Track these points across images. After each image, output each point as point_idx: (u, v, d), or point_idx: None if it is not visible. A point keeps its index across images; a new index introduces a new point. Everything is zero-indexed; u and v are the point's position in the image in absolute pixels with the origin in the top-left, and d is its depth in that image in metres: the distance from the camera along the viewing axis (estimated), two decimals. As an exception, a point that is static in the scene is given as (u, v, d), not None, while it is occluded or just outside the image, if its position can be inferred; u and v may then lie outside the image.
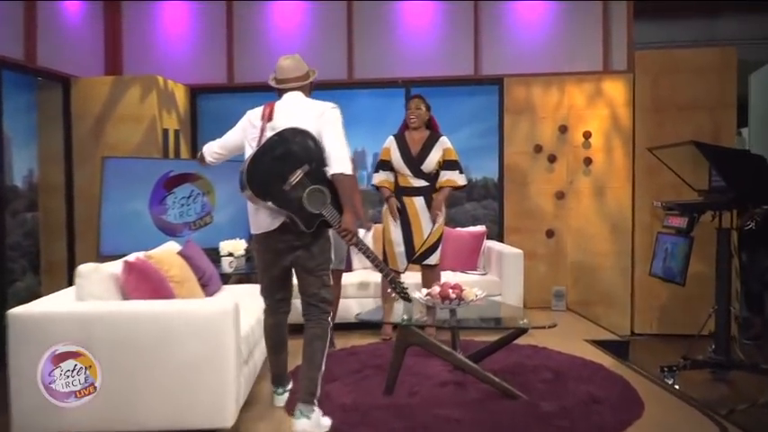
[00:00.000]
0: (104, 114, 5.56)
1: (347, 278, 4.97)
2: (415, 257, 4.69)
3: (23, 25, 5.05)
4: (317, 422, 3.01)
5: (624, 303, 5.84)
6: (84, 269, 2.99)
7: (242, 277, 5.31)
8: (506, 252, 5.22)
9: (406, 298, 3.34)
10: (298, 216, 3.01)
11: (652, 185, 5.68)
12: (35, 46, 5.13)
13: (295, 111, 3.14)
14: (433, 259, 4.69)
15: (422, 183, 4.67)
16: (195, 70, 6.29)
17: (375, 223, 5.34)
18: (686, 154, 4.31)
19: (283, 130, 3.06)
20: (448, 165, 4.68)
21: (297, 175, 2.99)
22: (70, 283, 3.09)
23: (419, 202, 4.66)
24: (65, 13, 5.60)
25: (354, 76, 6.22)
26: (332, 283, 3.30)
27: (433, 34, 6.20)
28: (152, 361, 2.84)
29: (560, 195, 5.96)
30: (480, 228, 5.70)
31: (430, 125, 4.76)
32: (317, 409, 3.03)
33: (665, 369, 4.16)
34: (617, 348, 4.59)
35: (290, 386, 3.45)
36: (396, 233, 4.68)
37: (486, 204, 6.22)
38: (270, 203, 3.00)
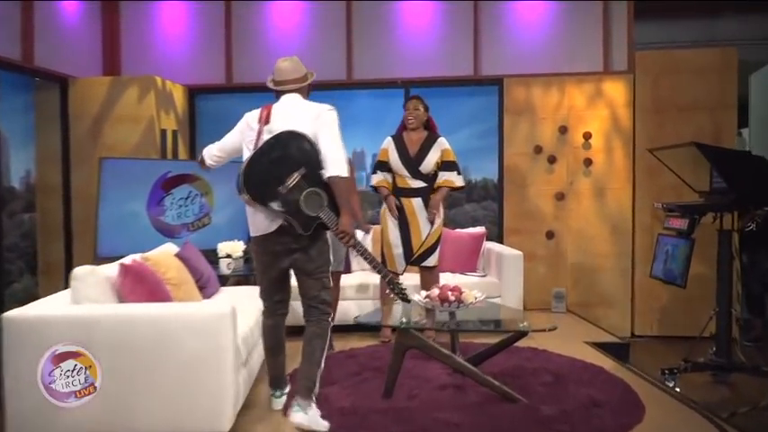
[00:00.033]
0: (102, 115, 5.54)
1: (346, 280, 4.95)
2: (414, 259, 4.66)
3: (20, 25, 5.02)
4: (313, 419, 3.02)
5: (624, 305, 5.81)
6: (80, 272, 2.96)
7: (240, 279, 5.28)
8: (506, 254, 5.20)
9: (405, 299, 3.35)
10: (295, 219, 3.03)
11: (652, 186, 5.66)
12: (32, 46, 5.10)
13: (292, 113, 3.16)
14: (431, 261, 4.67)
15: (420, 184, 4.64)
16: (193, 70, 6.26)
17: (373, 224, 5.32)
18: (687, 155, 4.29)
19: (280, 133, 3.08)
20: (446, 166, 4.65)
21: (293, 179, 3.02)
22: (67, 284, 3.09)
23: (417, 203, 4.63)
24: (62, 13, 5.58)
25: (353, 76, 6.19)
26: (332, 284, 3.32)
27: (433, 34, 6.18)
28: (148, 364, 2.82)
29: (560, 196, 5.94)
30: (480, 229, 5.67)
31: (428, 126, 4.74)
32: (314, 405, 3.05)
33: (666, 372, 4.13)
34: (617, 350, 4.56)
35: (287, 389, 3.43)
36: (394, 235, 4.65)
37: (485, 205, 6.19)
38: (270, 205, 3.01)
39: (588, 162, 5.89)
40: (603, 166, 5.88)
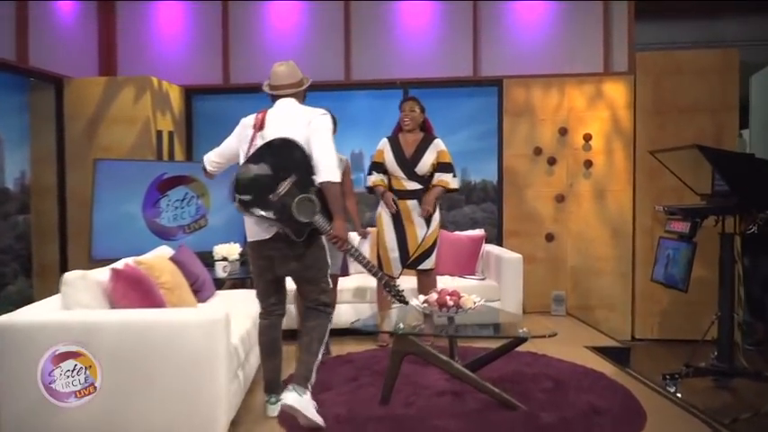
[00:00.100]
0: (97, 116, 5.49)
1: (344, 283, 4.89)
2: (410, 262, 4.61)
3: (15, 25, 4.97)
4: (306, 403, 3.01)
5: (625, 308, 5.77)
6: (71, 277, 2.91)
7: (236, 282, 5.23)
8: (505, 257, 5.15)
9: (403, 301, 3.34)
10: (287, 226, 3.05)
11: (653, 189, 5.62)
12: (27, 46, 5.05)
13: (286, 120, 3.18)
14: (428, 264, 4.62)
15: (415, 185, 4.59)
16: (190, 71, 6.21)
17: (371, 226, 5.27)
18: (688, 157, 4.25)
19: (271, 141, 3.11)
20: (442, 167, 4.61)
21: (284, 186, 3.04)
22: (62, 287, 3.10)
23: (413, 205, 4.58)
24: (58, 12, 5.53)
25: (352, 77, 6.15)
26: (331, 286, 3.34)
27: (432, 35, 6.13)
28: (140, 372, 2.77)
29: (560, 198, 5.89)
30: (479, 232, 5.62)
31: (424, 127, 4.70)
32: (309, 394, 3.05)
33: (667, 377, 4.09)
34: (618, 355, 4.51)
35: (281, 400, 3.37)
36: (390, 237, 4.60)
37: (485, 207, 6.15)
38: (260, 212, 3.04)
39: (588, 164, 5.84)
40: (604, 168, 5.84)
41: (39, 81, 5.35)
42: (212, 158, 3.39)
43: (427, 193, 4.58)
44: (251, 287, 4.97)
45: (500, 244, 5.88)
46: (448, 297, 3.37)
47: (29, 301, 4.92)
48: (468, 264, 5.42)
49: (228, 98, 6.13)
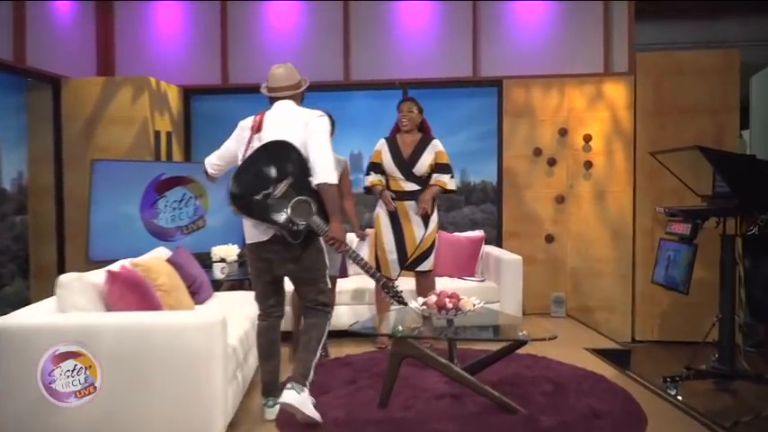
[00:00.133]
0: (95, 116, 5.46)
1: (342, 284, 4.86)
2: (408, 264, 4.58)
3: (12, 25, 4.95)
4: (305, 401, 3.04)
5: (625, 310, 5.75)
6: (66, 279, 2.88)
7: (234, 284, 5.20)
8: (505, 258, 5.12)
9: (401, 302, 3.33)
10: (284, 228, 3.06)
11: (653, 190, 5.60)
12: (24, 46, 5.02)
13: (283, 122, 3.20)
14: (426, 265, 4.59)
15: (413, 186, 4.56)
16: (189, 71, 6.18)
17: (369, 227, 5.24)
18: (689, 158, 4.22)
19: (267, 143, 3.13)
20: (440, 168, 4.58)
21: (280, 188, 3.05)
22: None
23: (411, 206, 4.55)
24: (55, 12, 5.50)
25: (351, 77, 6.12)
26: (329, 286, 3.36)
27: (431, 35, 6.10)
28: (137, 375, 2.75)
29: (560, 199, 5.87)
30: (478, 233, 5.59)
31: (422, 128, 4.67)
32: (307, 391, 3.08)
33: (668, 379, 4.06)
34: (618, 357, 4.48)
35: (279, 399, 3.34)
36: (388, 238, 4.57)
37: (484, 208, 6.12)
38: (255, 218, 3.07)
39: (588, 165, 5.82)
40: (604, 169, 5.81)
41: (36, 81, 5.32)
42: (213, 161, 3.40)
43: (424, 191, 4.55)
44: (249, 288, 4.95)
45: (500, 245, 5.86)
46: (447, 299, 3.34)
47: (26, 302, 4.92)
48: (467, 265, 5.40)
49: (227, 98, 6.11)
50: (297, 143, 3.11)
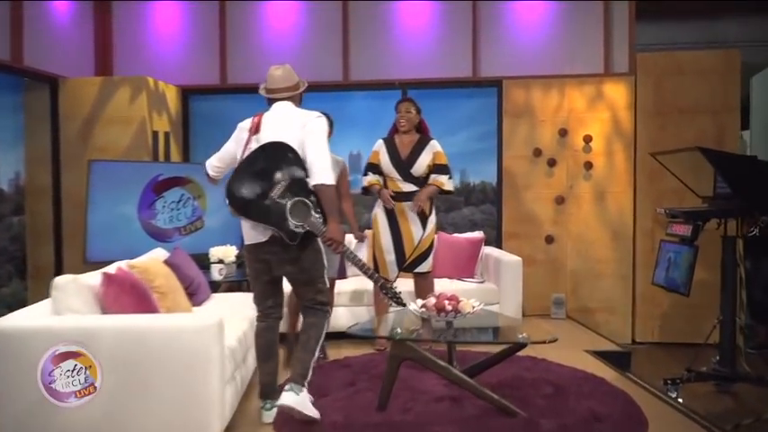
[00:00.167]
0: (93, 116, 5.43)
1: (341, 286, 4.84)
2: (406, 265, 4.55)
3: (9, 25, 4.92)
4: (303, 401, 3.06)
5: (625, 311, 5.72)
6: (61, 281, 2.86)
7: (232, 285, 5.17)
8: (505, 259, 5.09)
9: (400, 303, 3.31)
10: (281, 229, 3.06)
11: (654, 191, 5.58)
12: (21, 46, 5.00)
13: (281, 123, 3.20)
14: (424, 267, 4.56)
15: (411, 187, 4.53)
16: (187, 71, 6.15)
17: (367, 229, 5.21)
18: (689, 159, 4.20)
19: (264, 145, 3.14)
20: (437, 169, 4.55)
21: (277, 189, 3.05)
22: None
23: (409, 207, 4.52)
24: (53, 12, 5.47)
25: (350, 77, 6.09)
26: (328, 286, 3.35)
27: (431, 35, 6.07)
28: (133, 378, 2.73)
29: (560, 200, 5.84)
30: (478, 234, 5.57)
31: (420, 128, 4.64)
32: (306, 391, 3.10)
33: (669, 382, 4.04)
34: (618, 359, 4.46)
35: (278, 402, 3.32)
36: (386, 239, 4.54)
37: (484, 209, 6.10)
38: (252, 219, 3.08)
39: (588, 165, 5.79)
40: (604, 170, 5.79)
41: (33, 81, 5.29)
42: (213, 163, 3.40)
43: (421, 190, 4.52)
44: (247, 290, 4.94)
45: (499, 246, 5.84)
46: (446, 301, 3.31)
47: (23, 303, 4.90)
48: (467, 266, 5.37)
49: (225, 98, 6.09)
50: (294, 144, 3.11)
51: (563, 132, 5.82)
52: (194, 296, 3.96)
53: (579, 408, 3.32)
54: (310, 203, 3.06)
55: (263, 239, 3.14)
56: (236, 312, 3.85)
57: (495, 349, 3.61)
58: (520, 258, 5.11)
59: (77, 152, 5.39)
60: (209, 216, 5.42)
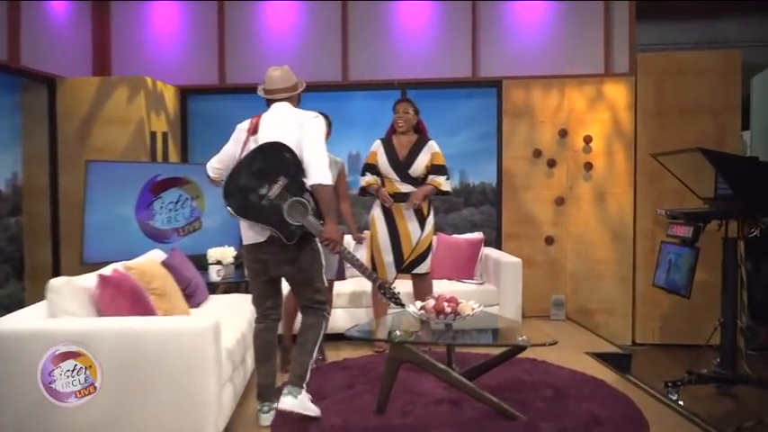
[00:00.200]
0: (91, 116, 5.41)
1: (339, 287, 4.81)
2: (405, 266, 4.52)
3: (7, 25, 4.89)
4: (302, 403, 3.10)
5: (625, 312, 5.70)
6: (56, 283, 2.83)
7: (230, 286, 5.15)
8: (504, 261, 5.07)
9: (399, 303, 3.29)
10: (278, 229, 3.06)
11: (654, 191, 5.55)
12: (19, 46, 4.97)
13: (279, 123, 3.21)
14: (423, 268, 4.53)
15: (409, 188, 4.50)
16: (185, 71, 6.13)
17: (366, 229, 5.19)
18: (690, 160, 4.17)
19: (261, 145, 3.14)
20: (435, 170, 4.52)
21: (275, 189, 3.05)
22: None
23: (405, 206, 4.49)
24: (51, 12, 5.44)
25: (349, 77, 6.07)
26: (326, 284, 3.36)
27: (430, 35, 6.05)
28: (130, 381, 2.70)
29: (560, 201, 5.82)
30: (477, 235, 5.55)
31: (418, 129, 4.62)
32: (304, 392, 3.13)
33: (670, 384, 4.01)
34: (618, 361, 4.43)
35: (276, 404, 3.30)
36: (384, 241, 4.51)
37: (483, 210, 6.07)
38: (250, 219, 3.08)
39: (588, 166, 5.77)
40: (604, 171, 5.76)
41: (31, 81, 5.26)
42: (213, 165, 3.39)
43: (418, 188, 4.49)
44: (245, 291, 4.92)
45: (499, 247, 5.81)
46: (446, 303, 3.29)
47: (21, 304, 4.87)
48: (466, 267, 5.35)
49: (224, 98, 6.06)
50: (292, 144, 3.11)
51: (563, 133, 5.79)
52: (192, 298, 3.94)
53: (579, 411, 3.29)
54: (308, 203, 3.06)
55: (262, 240, 3.15)
56: (234, 314, 3.83)
57: (495, 351, 3.58)
58: (519, 260, 5.09)
59: (75, 152, 5.36)
60: (208, 217, 5.39)
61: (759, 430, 3.60)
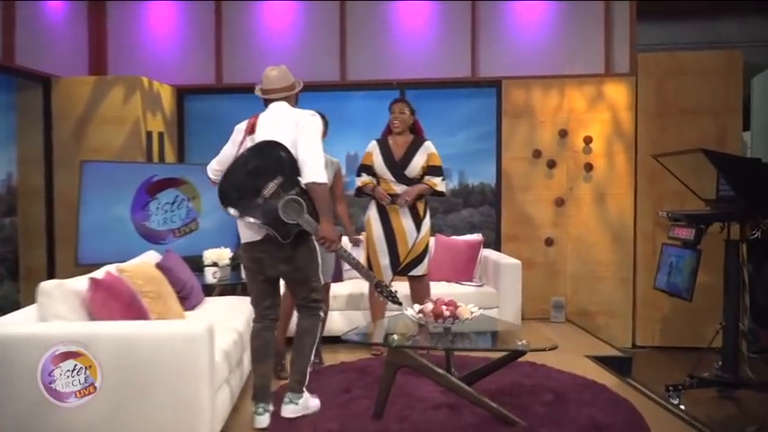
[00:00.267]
0: (86, 116, 5.36)
1: (337, 290, 4.77)
2: (401, 268, 4.47)
3: (1, 24, 4.84)
4: (304, 406, 3.25)
5: (625, 314, 5.65)
6: (47, 286, 2.78)
7: (226, 288, 5.09)
8: (504, 263, 5.02)
9: (396, 301, 3.27)
10: (274, 228, 3.06)
11: (655, 192, 5.51)
12: (13, 45, 4.92)
13: (275, 122, 3.21)
14: (419, 270, 4.48)
15: (405, 189, 4.45)
16: (182, 70, 6.07)
17: (362, 230, 5.14)
18: (691, 161, 4.12)
19: (256, 144, 3.14)
20: (431, 170, 4.48)
21: (270, 188, 3.05)
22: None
23: (403, 210, 4.44)
24: (47, 11, 5.39)
25: (347, 77, 6.01)
26: (322, 282, 3.38)
27: (429, 35, 6.00)
28: (125, 385, 2.66)
29: (560, 202, 5.77)
30: (477, 236, 5.50)
31: (414, 129, 4.57)
32: (305, 393, 3.25)
33: (671, 388, 3.96)
34: (619, 365, 4.39)
35: (271, 407, 3.26)
36: (380, 242, 4.45)
37: (483, 211, 6.02)
38: (247, 216, 3.06)
39: (589, 167, 5.72)
40: (604, 171, 5.72)
41: (26, 80, 5.21)
42: (213, 167, 3.39)
43: (413, 186, 4.44)
44: (241, 293, 4.87)
45: (498, 248, 5.76)
46: (444, 307, 3.24)
47: (16, 305, 4.82)
48: (465, 269, 5.30)
49: (221, 98, 6.01)
50: (287, 143, 3.10)
51: (563, 133, 5.75)
52: (187, 300, 3.89)
53: (580, 416, 3.24)
54: (303, 202, 3.05)
55: (258, 238, 3.15)
56: (230, 316, 3.79)
57: (495, 354, 3.53)
58: (519, 261, 5.04)
59: (70, 152, 5.31)
60: (204, 218, 5.34)
61: (761, 435, 3.57)
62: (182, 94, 6.07)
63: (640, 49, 5.88)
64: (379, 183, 4.53)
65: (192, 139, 6.07)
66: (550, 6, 5.90)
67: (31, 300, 3.22)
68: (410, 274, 4.49)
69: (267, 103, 3.31)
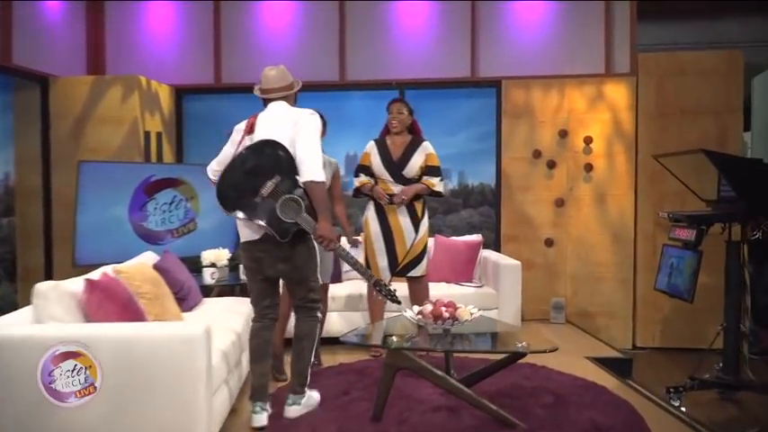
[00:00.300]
0: (84, 115, 5.34)
1: (335, 291, 4.74)
2: (399, 269, 4.45)
3: (-1, 24, 4.83)
4: (307, 404, 3.29)
5: (626, 315, 5.63)
6: (42, 288, 2.76)
7: (225, 289, 5.06)
8: (503, 263, 4.99)
9: (395, 300, 3.27)
10: (272, 227, 3.05)
11: (655, 193, 5.49)
12: (11, 44, 4.90)
13: (274, 121, 3.21)
14: (418, 271, 4.46)
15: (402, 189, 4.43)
16: (181, 70, 6.05)
17: (360, 231, 5.11)
18: (692, 161, 4.10)
19: (254, 143, 3.14)
20: (429, 171, 4.45)
21: (268, 187, 3.05)
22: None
23: (400, 209, 4.42)
24: (44, 11, 5.37)
25: (347, 77, 5.99)
26: (320, 282, 3.38)
27: (429, 35, 5.97)
28: (124, 386, 2.64)
29: (560, 203, 5.75)
30: (476, 237, 5.47)
31: (412, 129, 4.54)
32: (307, 393, 3.28)
33: (672, 390, 3.94)
34: (619, 366, 4.37)
35: (269, 406, 3.24)
36: (378, 242, 4.43)
37: (482, 211, 6.00)
38: (244, 215, 3.06)
39: (589, 167, 5.70)
40: (605, 172, 5.69)
41: (24, 80, 5.19)
42: (213, 167, 3.39)
43: (409, 185, 4.42)
44: (240, 294, 4.85)
45: (498, 249, 5.74)
46: (443, 308, 3.21)
47: (14, 306, 4.79)
48: (465, 270, 5.27)
49: (220, 98, 5.99)
50: (286, 142, 3.10)
51: (563, 133, 5.73)
52: (184, 301, 3.87)
53: (580, 419, 3.22)
54: (301, 201, 3.05)
55: (257, 237, 3.15)
56: (228, 316, 3.78)
57: (495, 355, 3.51)
58: (519, 262, 5.02)
59: (68, 152, 5.29)
60: (202, 218, 5.32)
61: (762, 437, 3.55)
62: (180, 93, 6.05)
63: (641, 49, 5.86)
64: (377, 183, 4.50)
65: (190, 139, 6.05)
66: (550, 6, 5.88)
67: (28, 301, 3.20)
68: (409, 274, 4.47)
69: (266, 102, 3.32)
